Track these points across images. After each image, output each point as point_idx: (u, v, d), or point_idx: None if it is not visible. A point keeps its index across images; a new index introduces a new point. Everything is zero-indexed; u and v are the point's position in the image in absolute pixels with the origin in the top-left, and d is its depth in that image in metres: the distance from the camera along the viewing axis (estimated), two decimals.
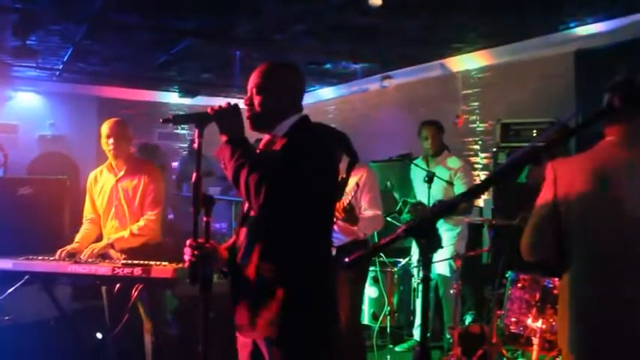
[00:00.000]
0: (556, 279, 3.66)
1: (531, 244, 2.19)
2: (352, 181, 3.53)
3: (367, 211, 3.69)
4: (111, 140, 3.72)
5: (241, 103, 2.28)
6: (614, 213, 2.02)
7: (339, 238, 3.52)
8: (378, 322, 4.89)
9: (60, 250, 3.54)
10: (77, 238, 3.78)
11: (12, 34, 6.11)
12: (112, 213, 3.80)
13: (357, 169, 3.59)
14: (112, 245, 3.61)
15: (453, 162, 4.85)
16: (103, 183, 3.85)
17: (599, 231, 2.05)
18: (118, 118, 3.85)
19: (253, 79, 2.27)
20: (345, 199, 3.36)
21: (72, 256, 3.52)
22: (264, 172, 2.03)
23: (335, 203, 2.34)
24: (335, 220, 3.34)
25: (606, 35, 5.49)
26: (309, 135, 2.23)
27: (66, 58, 7.72)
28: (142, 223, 3.73)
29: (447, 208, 1.33)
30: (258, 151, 2.31)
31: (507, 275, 4.04)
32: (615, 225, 2.03)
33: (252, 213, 2.17)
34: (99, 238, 3.83)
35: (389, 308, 4.93)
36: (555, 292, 3.65)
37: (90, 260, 3.46)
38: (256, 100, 2.24)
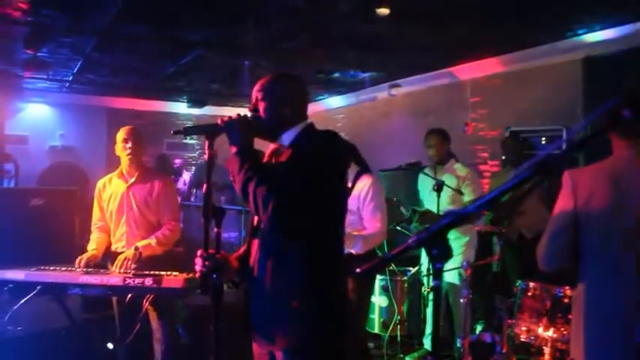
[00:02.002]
0: (567, 288, 3.64)
1: (548, 253, 2.16)
2: (356, 189, 3.51)
3: (368, 222, 3.62)
4: (129, 144, 3.73)
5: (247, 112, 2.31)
6: (636, 226, 2.00)
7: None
8: (388, 331, 4.88)
9: (78, 259, 3.54)
10: (92, 245, 3.78)
11: (23, 46, 6.19)
12: (124, 220, 3.80)
13: (362, 177, 3.57)
14: (140, 253, 3.60)
15: (460, 170, 4.83)
16: (112, 190, 3.86)
17: (622, 243, 2.02)
18: (134, 126, 3.88)
19: (256, 89, 2.30)
20: None
21: (89, 264, 3.52)
22: (271, 185, 2.04)
23: (345, 208, 2.34)
24: None
25: (615, 42, 5.48)
26: (314, 142, 2.23)
27: (76, 69, 7.80)
28: (167, 232, 3.74)
29: (459, 217, 1.33)
30: (264, 160, 2.33)
31: (518, 284, 4.02)
32: (637, 238, 2.00)
33: (262, 225, 2.19)
34: (109, 246, 3.85)
35: (399, 317, 4.92)
36: (566, 300, 3.63)
37: (106, 271, 3.47)
38: (259, 107, 2.27)
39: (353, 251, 3.52)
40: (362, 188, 3.57)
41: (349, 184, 3.52)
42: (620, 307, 2.02)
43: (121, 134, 3.77)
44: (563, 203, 2.13)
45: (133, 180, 3.81)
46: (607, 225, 2.03)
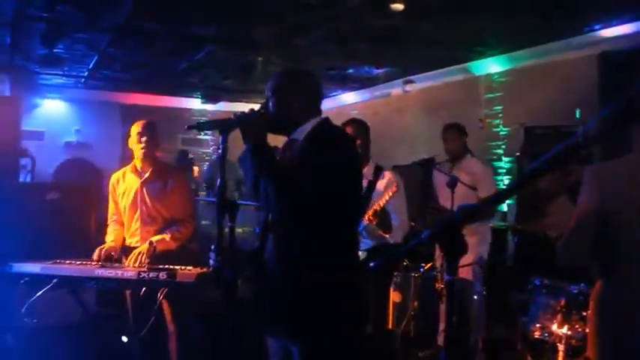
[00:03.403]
0: (582, 285, 3.60)
1: (569, 247, 2.12)
2: (380, 185, 3.55)
3: (394, 214, 3.67)
4: (144, 138, 3.71)
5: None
6: None
7: (365, 242, 3.51)
8: (402, 327, 4.86)
9: (98, 250, 3.56)
10: (110, 237, 3.79)
11: (39, 42, 6.24)
12: (137, 215, 3.81)
13: (384, 172, 3.62)
14: (155, 248, 3.62)
15: (476, 166, 4.81)
16: (126, 185, 3.85)
17: None
18: (150, 120, 3.87)
19: (269, 83, 2.31)
20: (381, 202, 3.35)
21: (110, 257, 3.54)
22: (282, 181, 2.05)
23: (359, 203, 2.35)
24: (368, 222, 3.36)
25: (631, 38, 5.42)
26: (329, 137, 2.24)
27: (91, 65, 7.86)
28: (182, 227, 3.75)
29: (472, 213, 1.32)
30: (279, 154, 2.33)
31: (532, 280, 4.00)
32: None
33: (273, 220, 2.20)
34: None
35: (412, 313, 4.91)
36: (581, 297, 3.59)
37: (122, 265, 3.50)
38: (271, 102, 2.28)
39: (392, 241, 3.61)
40: (386, 183, 3.60)
41: (370, 179, 3.55)
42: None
43: (135, 127, 3.75)
44: (586, 198, 2.07)
45: (147, 175, 3.80)
46: (636, 223, 1.98)
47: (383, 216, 3.39)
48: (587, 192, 2.08)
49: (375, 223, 3.39)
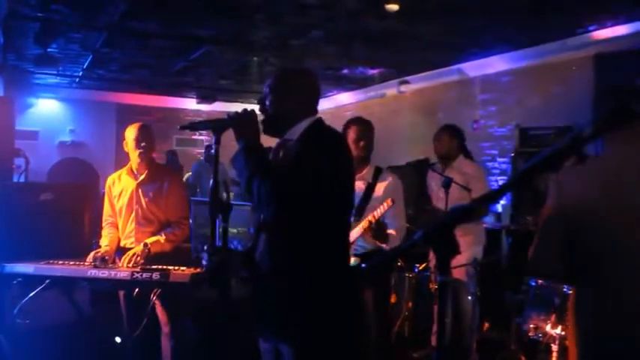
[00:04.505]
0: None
1: (536, 256, 2.10)
2: (380, 187, 3.49)
3: (392, 220, 3.52)
4: (143, 144, 3.70)
5: (257, 108, 2.31)
6: (635, 228, 1.88)
7: (363, 246, 3.46)
8: (396, 328, 4.87)
9: (93, 253, 3.55)
10: (105, 241, 3.77)
11: (34, 42, 6.22)
12: (132, 216, 3.80)
13: (384, 175, 3.55)
14: (149, 250, 3.61)
15: (468, 167, 4.81)
16: (122, 187, 3.85)
17: (622, 249, 1.91)
18: (145, 123, 3.86)
19: (267, 82, 2.30)
20: (376, 214, 3.27)
21: (104, 260, 3.53)
22: (275, 183, 2.04)
23: (351, 204, 2.34)
24: (363, 235, 3.30)
25: (625, 39, 5.44)
26: (322, 139, 2.23)
27: (86, 65, 7.84)
28: (177, 229, 3.74)
29: (464, 213, 1.32)
30: (272, 154, 2.32)
31: (526, 281, 4.00)
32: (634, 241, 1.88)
33: (266, 221, 2.19)
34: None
35: (407, 314, 4.91)
36: None
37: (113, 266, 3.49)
38: (268, 101, 2.27)
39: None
40: (386, 185, 3.54)
41: (370, 181, 3.50)
42: (609, 318, 1.95)
43: (132, 132, 3.73)
44: (550, 206, 2.02)
45: (142, 177, 3.80)
46: (609, 229, 1.91)
47: (377, 228, 3.29)
48: (551, 199, 2.04)
49: (370, 235, 3.30)
